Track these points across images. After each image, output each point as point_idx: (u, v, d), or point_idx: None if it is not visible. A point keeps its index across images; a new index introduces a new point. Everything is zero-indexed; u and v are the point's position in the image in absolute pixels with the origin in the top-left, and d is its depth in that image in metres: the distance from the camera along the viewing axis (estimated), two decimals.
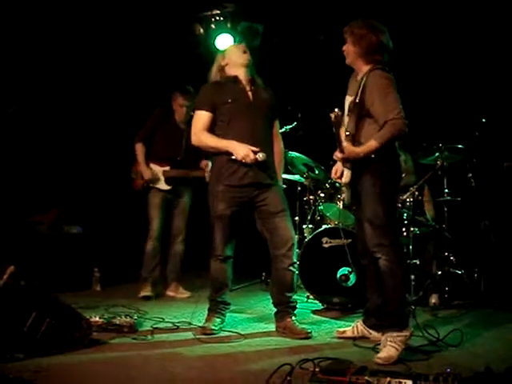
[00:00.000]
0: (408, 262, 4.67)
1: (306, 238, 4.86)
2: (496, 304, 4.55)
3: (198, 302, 4.42)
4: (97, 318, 3.68)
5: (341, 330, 3.71)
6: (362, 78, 3.34)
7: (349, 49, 3.42)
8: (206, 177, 4.72)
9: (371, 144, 3.22)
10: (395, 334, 3.14)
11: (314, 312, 4.49)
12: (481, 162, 4.90)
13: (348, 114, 3.41)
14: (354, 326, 3.65)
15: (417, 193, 4.84)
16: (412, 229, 4.74)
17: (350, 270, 4.33)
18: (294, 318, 3.76)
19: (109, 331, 3.62)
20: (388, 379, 2.46)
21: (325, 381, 2.55)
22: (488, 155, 5.14)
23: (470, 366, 2.93)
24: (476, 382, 2.47)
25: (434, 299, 4.55)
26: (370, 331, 3.58)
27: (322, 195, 4.99)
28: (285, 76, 6.01)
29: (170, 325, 3.91)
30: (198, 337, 3.63)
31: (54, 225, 5.55)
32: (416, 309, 4.23)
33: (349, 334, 3.64)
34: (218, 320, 3.82)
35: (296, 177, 5.30)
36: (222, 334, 3.73)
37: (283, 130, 4.71)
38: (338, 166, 3.48)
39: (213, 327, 3.73)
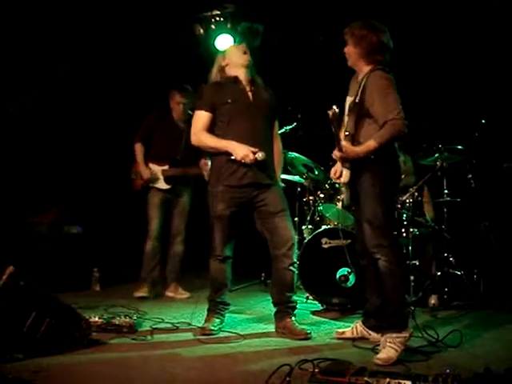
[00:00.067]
0: (407, 262, 4.67)
1: (305, 238, 4.85)
2: (495, 305, 4.55)
3: (197, 303, 4.42)
4: (96, 319, 3.68)
5: (340, 330, 3.71)
6: (362, 79, 3.35)
7: (350, 50, 3.42)
8: (204, 175, 4.72)
9: (370, 144, 3.22)
10: (394, 335, 3.14)
11: (314, 313, 4.49)
12: (480, 163, 4.90)
13: (348, 114, 3.41)
14: (353, 327, 3.65)
15: (416, 193, 4.84)
16: (411, 229, 4.74)
17: (350, 270, 4.33)
18: (293, 318, 3.76)
19: (108, 331, 3.62)
20: (387, 380, 2.46)
21: (324, 381, 2.55)
22: (488, 156, 5.14)
23: (470, 366, 2.93)
24: (475, 383, 2.47)
25: (433, 300, 4.55)
26: (370, 332, 3.58)
27: (322, 196, 4.99)
28: (285, 76, 6.00)
29: (169, 325, 3.92)
30: (197, 337, 3.63)
31: (54, 225, 5.56)
32: (415, 310, 4.22)
33: (348, 334, 3.64)
34: (218, 320, 3.82)
35: (296, 177, 5.30)
36: (222, 334, 3.73)
37: (283, 130, 4.71)
38: (338, 166, 3.48)
39: (212, 328, 3.73)
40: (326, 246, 4.53)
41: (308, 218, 5.17)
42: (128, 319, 3.75)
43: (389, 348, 3.10)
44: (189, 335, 3.70)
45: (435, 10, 5.43)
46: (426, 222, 4.96)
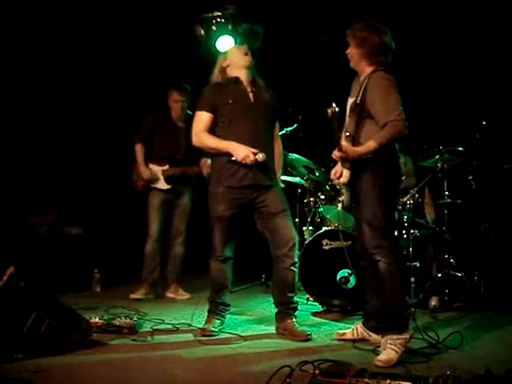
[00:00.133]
0: (408, 264, 4.67)
1: (306, 239, 4.85)
2: (496, 306, 4.55)
3: (197, 304, 4.41)
4: (97, 319, 3.68)
5: (341, 332, 3.70)
6: (364, 80, 3.35)
7: (352, 52, 3.42)
8: (203, 173, 4.72)
9: (370, 144, 3.22)
10: (395, 336, 3.14)
11: (314, 314, 4.49)
12: (481, 165, 4.90)
13: (349, 115, 3.41)
14: (353, 328, 3.65)
15: (417, 195, 4.84)
16: (412, 231, 4.74)
17: (350, 272, 4.33)
18: (294, 319, 3.76)
19: (109, 332, 3.62)
20: (388, 381, 2.45)
21: (324, 383, 2.55)
22: (488, 157, 5.14)
23: (470, 368, 2.92)
24: None
25: (433, 301, 4.55)
26: (370, 333, 3.58)
27: (323, 197, 4.99)
28: (285, 78, 6.01)
29: (169, 326, 3.92)
30: (197, 338, 3.63)
31: (54, 226, 5.56)
32: (416, 311, 4.23)
33: (348, 336, 3.63)
34: (218, 322, 3.82)
35: (296, 179, 5.30)
36: (222, 335, 3.73)
37: (283, 131, 4.71)
38: (338, 167, 3.48)
39: (212, 329, 3.73)
40: (326, 248, 4.53)
41: (309, 220, 5.16)
42: (128, 320, 3.75)
43: (389, 349, 3.10)
44: (189, 336, 3.70)
45: (436, 12, 5.43)
46: (426, 224, 4.96)
